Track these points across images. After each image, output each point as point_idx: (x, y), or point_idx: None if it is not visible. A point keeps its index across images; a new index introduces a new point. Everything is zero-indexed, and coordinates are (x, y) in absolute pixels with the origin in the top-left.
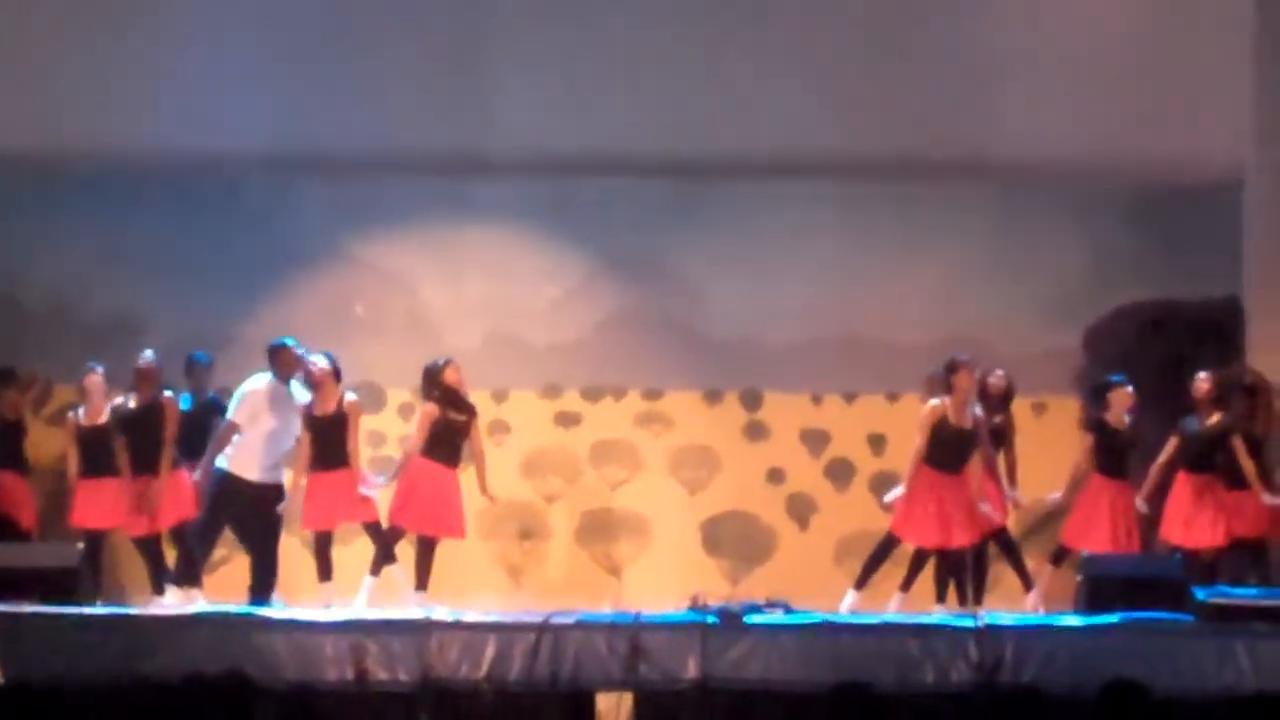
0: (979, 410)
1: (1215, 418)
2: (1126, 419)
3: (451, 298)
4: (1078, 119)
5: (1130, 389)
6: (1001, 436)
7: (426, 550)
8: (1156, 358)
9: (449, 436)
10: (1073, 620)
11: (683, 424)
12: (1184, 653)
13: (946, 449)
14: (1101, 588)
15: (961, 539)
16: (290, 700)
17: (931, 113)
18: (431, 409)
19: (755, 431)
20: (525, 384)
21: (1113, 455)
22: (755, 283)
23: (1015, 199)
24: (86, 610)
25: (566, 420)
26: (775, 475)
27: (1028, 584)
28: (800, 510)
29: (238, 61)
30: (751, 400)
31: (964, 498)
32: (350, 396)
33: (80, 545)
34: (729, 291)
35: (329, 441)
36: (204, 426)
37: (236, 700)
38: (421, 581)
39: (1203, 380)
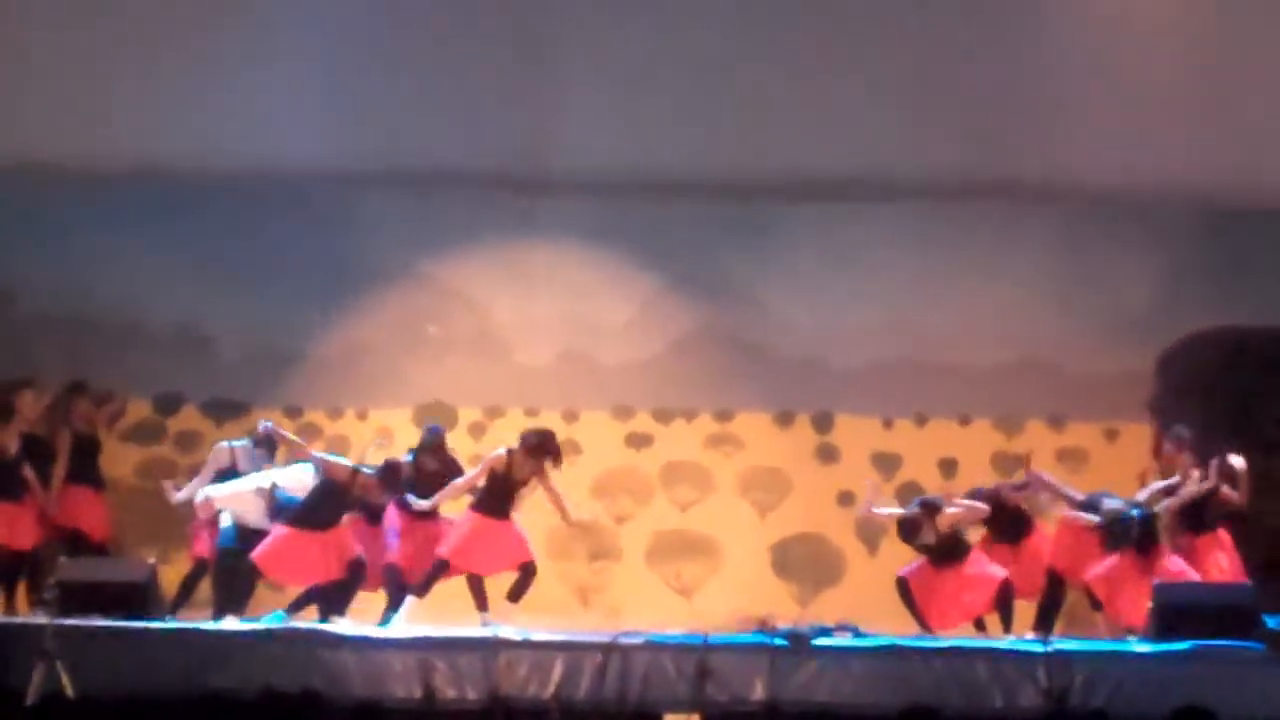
0: None
1: None
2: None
3: (522, 317)
4: (1151, 143)
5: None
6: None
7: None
8: (1228, 384)
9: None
10: (1142, 647)
11: (753, 446)
12: (1253, 681)
13: None
14: (1172, 615)
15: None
16: (358, 717)
17: (1004, 136)
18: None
19: (826, 454)
20: (596, 404)
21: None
22: (826, 305)
23: (1088, 223)
24: (155, 625)
25: (638, 441)
26: (845, 498)
27: None
28: (870, 534)
29: (307, 78)
30: (823, 422)
31: None
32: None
33: (152, 561)
34: (800, 313)
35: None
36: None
37: (306, 716)
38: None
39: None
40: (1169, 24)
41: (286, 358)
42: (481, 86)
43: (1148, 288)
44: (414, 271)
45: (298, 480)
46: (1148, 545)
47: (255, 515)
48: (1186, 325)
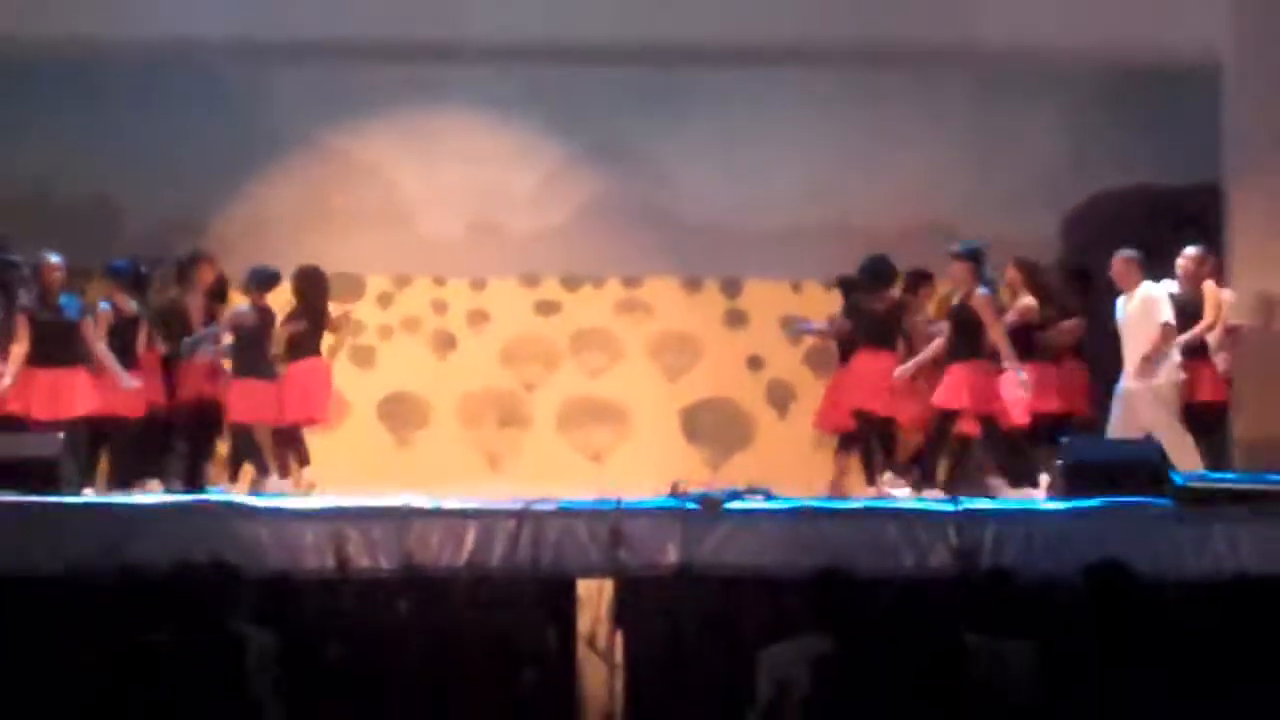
0: None
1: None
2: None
3: (428, 186)
4: (1056, 3)
5: None
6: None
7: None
8: (1134, 244)
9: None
10: (1052, 505)
11: (662, 312)
12: (1162, 537)
13: None
14: (1080, 472)
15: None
16: (272, 588)
17: None
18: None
19: (735, 319)
20: (504, 272)
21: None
22: (734, 170)
23: (994, 85)
24: (64, 499)
25: (546, 309)
26: (755, 362)
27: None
28: (780, 397)
29: None
30: (731, 287)
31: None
32: None
33: (61, 435)
34: (708, 179)
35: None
36: None
37: (220, 587)
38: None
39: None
40: None
41: (193, 229)
42: None
43: (1054, 150)
44: (318, 143)
45: None
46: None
47: None
48: (1093, 186)
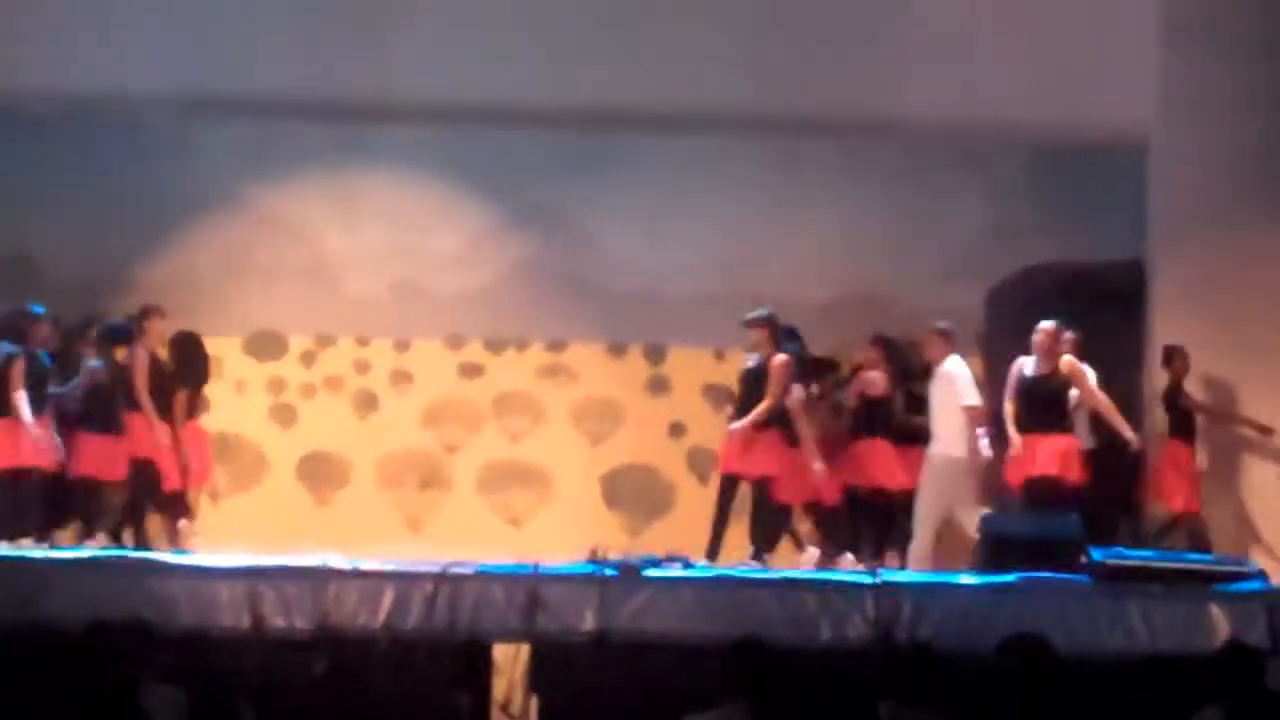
0: None
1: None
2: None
3: (354, 246)
4: (983, 79)
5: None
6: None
7: None
8: (1057, 317)
9: None
10: (970, 579)
11: (586, 376)
12: (1079, 613)
13: None
14: (999, 547)
15: None
16: (185, 645)
17: (837, 70)
18: None
19: (658, 385)
20: (428, 334)
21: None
22: (660, 236)
23: (920, 158)
24: None
25: (469, 371)
26: (676, 429)
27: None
28: (700, 464)
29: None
30: (655, 354)
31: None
32: None
33: None
34: (634, 245)
35: None
36: None
37: (133, 644)
38: None
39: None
40: None
41: (114, 284)
42: (316, 10)
43: (979, 224)
44: (244, 200)
45: None
46: None
47: None
48: (1017, 261)
